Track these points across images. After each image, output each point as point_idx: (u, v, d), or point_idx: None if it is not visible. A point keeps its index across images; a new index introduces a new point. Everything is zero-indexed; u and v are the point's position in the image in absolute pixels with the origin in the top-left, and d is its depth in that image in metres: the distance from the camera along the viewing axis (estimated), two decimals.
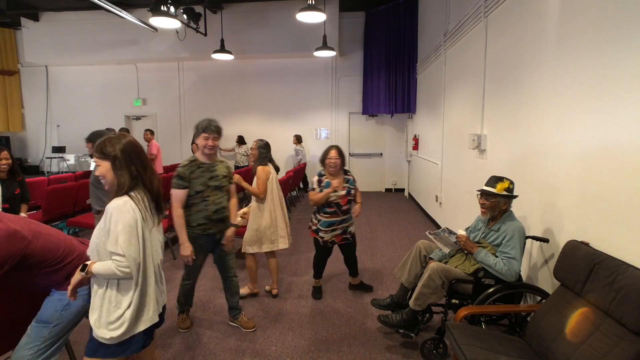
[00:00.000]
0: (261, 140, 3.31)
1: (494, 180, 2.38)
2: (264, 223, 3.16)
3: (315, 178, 3.23)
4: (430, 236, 2.58)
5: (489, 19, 3.58)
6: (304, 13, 5.15)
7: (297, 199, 8.06)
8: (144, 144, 9.24)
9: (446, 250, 2.54)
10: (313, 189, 3.22)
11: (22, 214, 3.41)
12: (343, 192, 3.16)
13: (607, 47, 1.90)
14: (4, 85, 9.76)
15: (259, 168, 3.17)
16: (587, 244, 1.89)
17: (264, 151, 3.26)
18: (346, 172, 3.30)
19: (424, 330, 2.71)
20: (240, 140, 8.69)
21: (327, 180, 3.19)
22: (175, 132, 9.64)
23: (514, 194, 2.38)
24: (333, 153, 3.18)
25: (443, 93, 5.41)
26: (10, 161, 3.27)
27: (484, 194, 2.39)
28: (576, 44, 2.17)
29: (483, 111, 3.73)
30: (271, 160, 3.30)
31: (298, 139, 8.63)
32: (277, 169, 3.38)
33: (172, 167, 8.70)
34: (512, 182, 2.37)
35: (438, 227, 5.27)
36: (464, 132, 4.32)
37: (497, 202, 2.35)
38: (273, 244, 3.20)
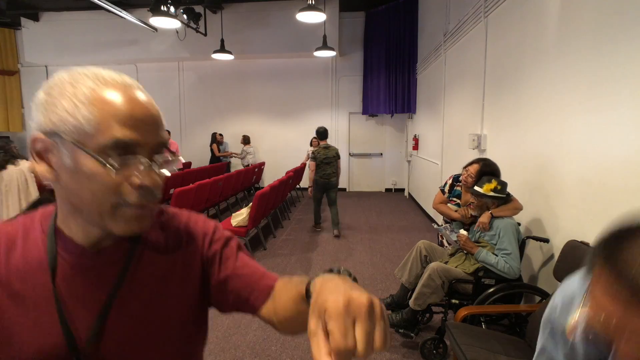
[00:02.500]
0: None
1: (484, 180, 2.41)
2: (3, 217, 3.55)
3: (450, 181, 2.95)
4: (436, 227, 2.70)
5: (489, 19, 3.58)
6: (304, 13, 5.15)
7: (298, 199, 8.06)
8: None
9: (452, 239, 2.58)
10: (442, 191, 2.95)
11: None
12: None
13: (607, 48, 1.90)
14: (4, 85, 9.76)
15: None
16: (587, 244, 1.89)
17: None
18: None
19: (424, 330, 2.71)
20: (247, 140, 8.65)
21: (457, 188, 2.89)
22: (176, 132, 9.62)
23: (505, 194, 2.40)
24: (471, 169, 2.64)
25: (443, 93, 5.41)
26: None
27: (473, 193, 2.44)
28: (576, 44, 2.17)
29: (483, 111, 3.73)
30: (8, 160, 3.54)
31: (245, 140, 8.55)
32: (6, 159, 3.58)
33: (185, 164, 8.72)
34: (501, 183, 2.38)
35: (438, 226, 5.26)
36: (464, 132, 4.32)
37: (484, 202, 2.40)
38: None
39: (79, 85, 0.51)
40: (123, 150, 0.51)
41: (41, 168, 0.53)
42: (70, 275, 0.57)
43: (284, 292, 0.64)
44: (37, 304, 0.56)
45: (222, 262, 0.68)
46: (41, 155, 0.53)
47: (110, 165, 0.50)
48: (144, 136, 0.52)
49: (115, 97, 0.51)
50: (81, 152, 0.50)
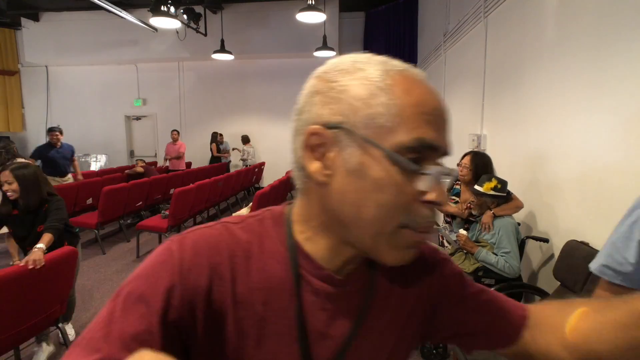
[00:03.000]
0: None
1: (484, 179, 2.42)
2: None
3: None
4: (436, 227, 2.65)
5: (489, 19, 3.58)
6: (304, 13, 5.16)
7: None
8: (161, 143, 9.24)
9: (452, 239, 2.58)
10: None
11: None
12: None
13: (606, 49, 1.90)
14: (4, 85, 9.76)
15: None
16: (587, 244, 1.90)
17: None
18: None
19: None
20: (246, 139, 8.72)
21: (457, 187, 2.85)
22: None
23: (505, 193, 2.39)
24: (464, 161, 2.68)
25: (443, 93, 5.42)
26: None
27: (473, 192, 2.45)
28: (576, 44, 2.17)
29: (483, 111, 3.73)
30: None
31: (245, 139, 8.62)
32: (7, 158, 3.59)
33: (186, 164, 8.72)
34: (501, 182, 2.38)
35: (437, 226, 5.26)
36: (464, 132, 4.32)
37: (484, 200, 2.40)
38: None
39: (367, 69, 0.41)
40: (420, 154, 0.39)
41: (316, 165, 0.42)
42: (312, 303, 0.46)
43: (594, 318, 0.48)
44: (278, 333, 0.44)
45: (456, 287, 0.55)
46: (315, 151, 0.42)
47: (416, 171, 0.39)
48: (442, 138, 0.41)
49: (414, 86, 0.42)
50: (374, 151, 0.39)
